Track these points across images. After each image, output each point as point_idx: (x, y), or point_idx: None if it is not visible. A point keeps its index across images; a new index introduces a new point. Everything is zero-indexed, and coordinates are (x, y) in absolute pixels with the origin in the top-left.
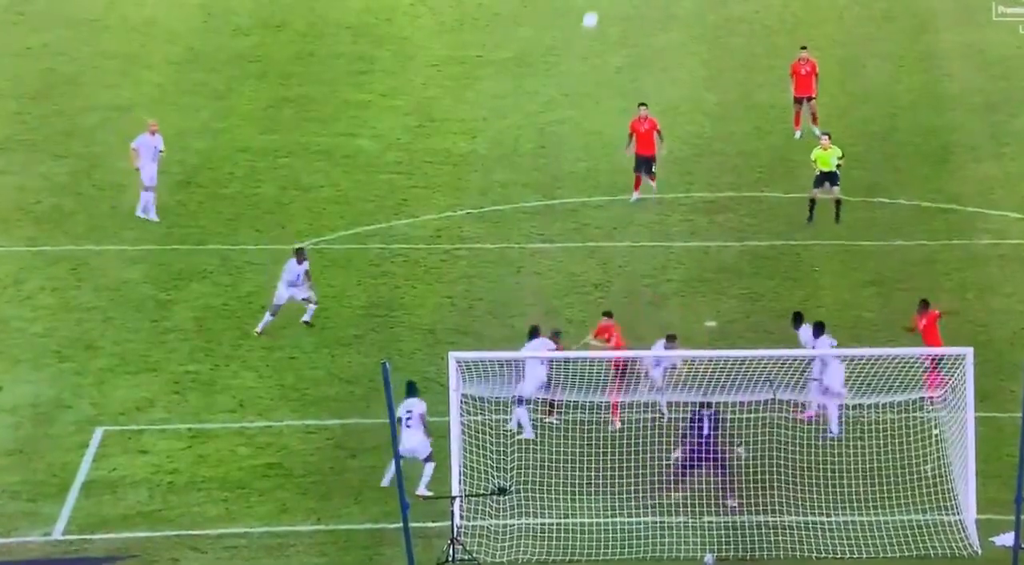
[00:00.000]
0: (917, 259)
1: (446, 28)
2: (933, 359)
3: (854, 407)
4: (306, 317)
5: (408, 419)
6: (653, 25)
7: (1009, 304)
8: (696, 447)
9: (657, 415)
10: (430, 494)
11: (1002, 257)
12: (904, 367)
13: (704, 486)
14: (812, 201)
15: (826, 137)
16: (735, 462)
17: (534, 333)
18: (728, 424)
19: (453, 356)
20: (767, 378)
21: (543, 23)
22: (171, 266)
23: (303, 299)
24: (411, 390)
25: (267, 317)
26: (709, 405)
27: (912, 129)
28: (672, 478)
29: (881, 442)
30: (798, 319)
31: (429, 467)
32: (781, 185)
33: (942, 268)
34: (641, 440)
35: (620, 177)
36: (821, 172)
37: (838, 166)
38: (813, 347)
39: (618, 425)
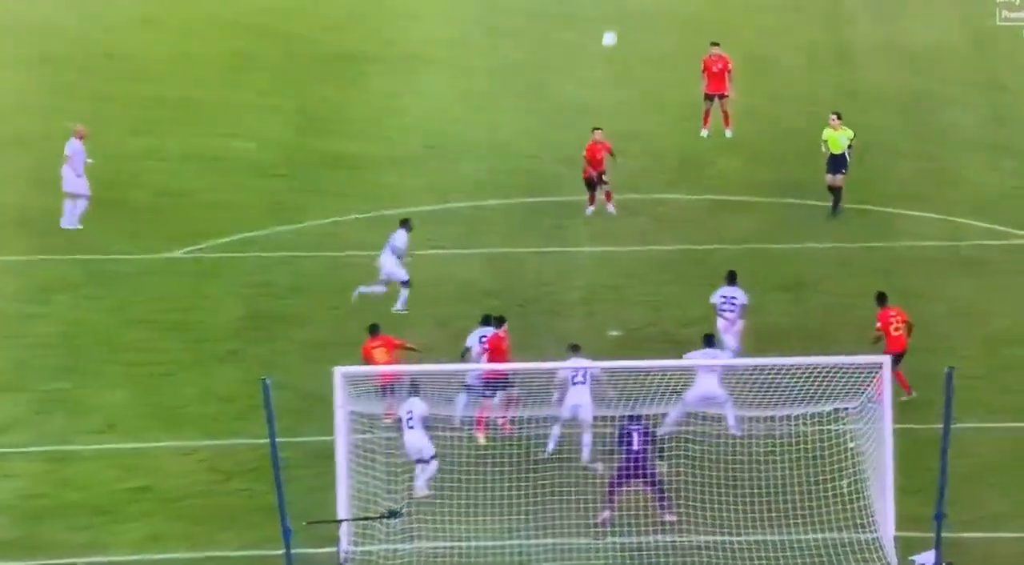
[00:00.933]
0: (831, 262)
1: (332, 22)
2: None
3: (765, 420)
4: (399, 305)
5: (409, 420)
6: (555, 19)
7: (930, 310)
8: (625, 463)
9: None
10: (430, 493)
11: (922, 260)
12: (818, 377)
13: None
14: (831, 189)
15: (835, 117)
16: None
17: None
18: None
19: (339, 371)
20: (674, 390)
21: (437, 16)
22: (35, 278)
23: (401, 282)
24: (414, 390)
25: (377, 287)
26: (638, 418)
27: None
28: (603, 497)
29: (794, 456)
30: (709, 341)
31: (434, 464)
32: (688, 186)
33: (858, 272)
34: (542, 456)
35: (518, 179)
36: (832, 154)
37: (849, 148)
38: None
39: (482, 441)
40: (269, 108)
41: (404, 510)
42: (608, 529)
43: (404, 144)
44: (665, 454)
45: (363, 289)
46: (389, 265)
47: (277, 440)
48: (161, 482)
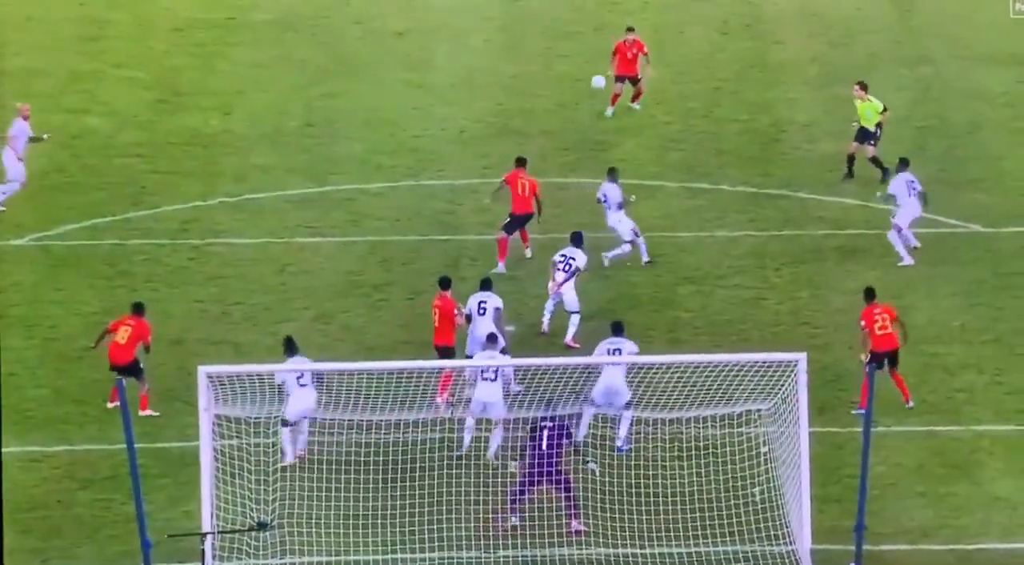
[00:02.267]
0: (743, 252)
1: None
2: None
3: (671, 422)
4: (645, 256)
5: (486, 373)
6: None
7: (848, 303)
8: (532, 465)
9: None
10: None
11: (840, 249)
12: (728, 375)
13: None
14: (850, 157)
15: (859, 87)
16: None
17: (291, 348)
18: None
19: (204, 370)
20: (573, 389)
21: None
22: None
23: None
24: (491, 339)
25: (623, 249)
26: (552, 417)
27: (737, 104)
28: (508, 501)
29: (702, 462)
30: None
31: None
32: (588, 169)
33: (772, 262)
34: (427, 463)
35: (403, 160)
36: (861, 127)
37: (878, 124)
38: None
39: (442, 406)
40: (125, 80)
41: (274, 522)
42: (504, 539)
43: (275, 120)
44: (587, 457)
45: (609, 254)
46: (613, 221)
47: (136, 446)
48: (9, 492)
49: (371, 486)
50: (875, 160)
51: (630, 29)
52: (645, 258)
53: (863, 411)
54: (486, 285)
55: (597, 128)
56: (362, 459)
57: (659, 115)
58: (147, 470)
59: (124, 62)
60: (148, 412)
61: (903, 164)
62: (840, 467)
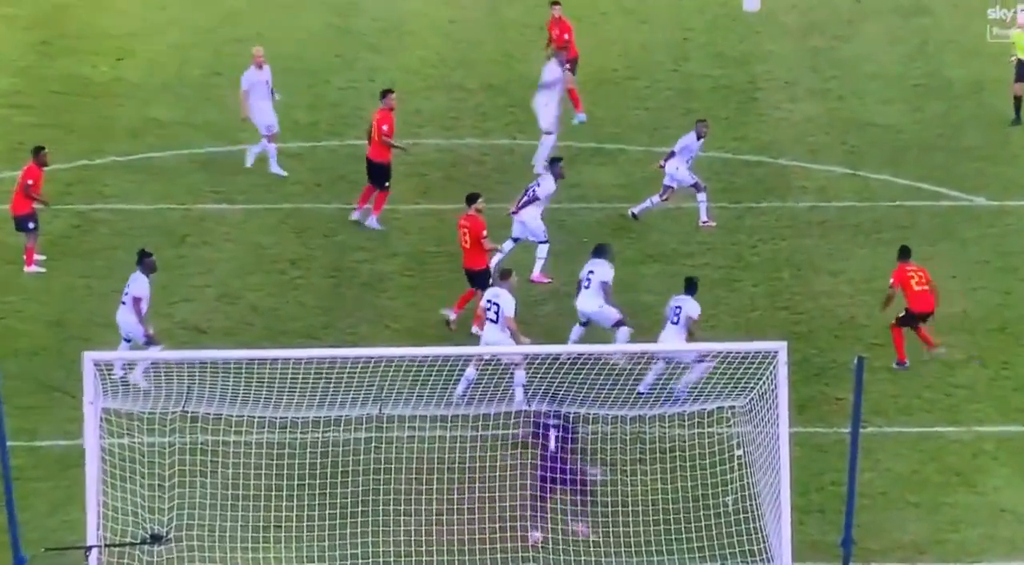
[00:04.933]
0: (714, 226)
1: None
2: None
3: (632, 421)
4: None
5: (488, 313)
6: None
7: (834, 286)
8: (544, 468)
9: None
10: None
11: (825, 224)
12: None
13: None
14: (1017, 99)
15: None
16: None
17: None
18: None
19: (89, 357)
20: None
21: None
22: None
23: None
24: (599, 251)
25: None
26: (556, 414)
27: (706, 57)
28: (530, 512)
29: (667, 466)
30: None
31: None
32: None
33: (747, 239)
34: (352, 466)
35: (324, 115)
36: (1019, 60)
37: None
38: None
39: (452, 317)
40: (0, 19)
41: (170, 534)
42: (459, 553)
43: (176, 68)
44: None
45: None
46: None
47: (8, 444)
48: None
49: (284, 493)
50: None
51: (554, 3)
52: (703, 218)
53: (903, 365)
54: (600, 252)
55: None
56: (274, 462)
57: (620, 69)
58: (22, 472)
59: None
60: (34, 268)
61: None
62: (824, 473)
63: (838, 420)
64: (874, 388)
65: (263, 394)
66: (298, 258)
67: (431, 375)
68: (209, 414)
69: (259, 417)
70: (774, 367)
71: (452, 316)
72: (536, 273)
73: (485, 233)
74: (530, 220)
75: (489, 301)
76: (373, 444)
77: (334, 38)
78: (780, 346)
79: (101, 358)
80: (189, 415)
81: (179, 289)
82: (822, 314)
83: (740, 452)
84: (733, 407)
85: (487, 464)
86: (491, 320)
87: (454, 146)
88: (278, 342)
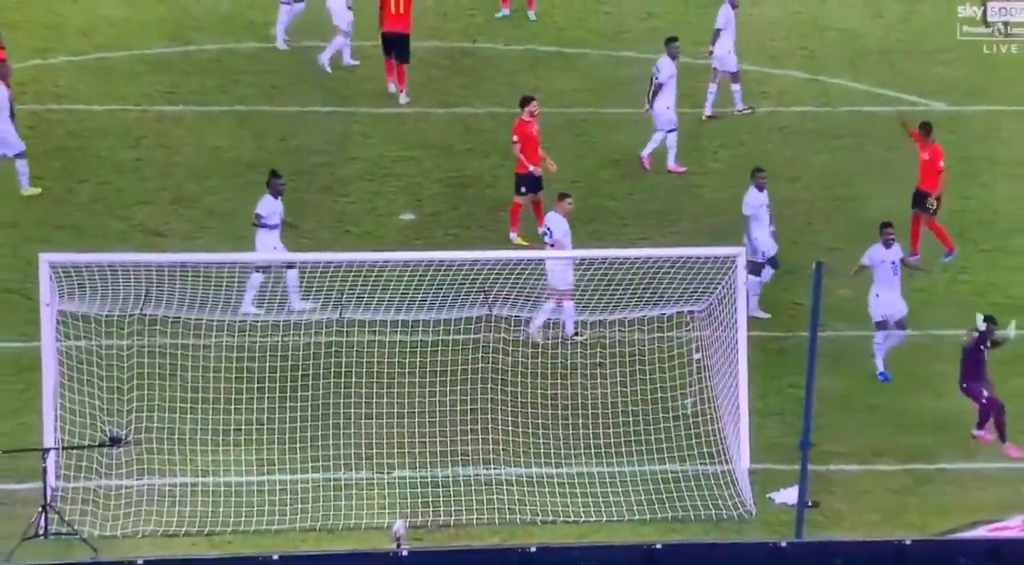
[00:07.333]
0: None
1: None
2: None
3: (591, 326)
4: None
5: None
6: None
7: (793, 191)
8: None
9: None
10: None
11: (783, 130)
12: (656, 272)
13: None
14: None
15: None
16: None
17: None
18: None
19: (45, 258)
20: (480, 288)
21: None
22: None
23: None
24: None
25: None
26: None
27: None
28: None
29: (627, 370)
30: None
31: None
32: (501, 34)
33: (707, 144)
34: (312, 370)
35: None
36: None
37: None
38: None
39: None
40: None
41: (129, 438)
42: (400, 459)
43: None
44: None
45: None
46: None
47: None
48: None
49: (244, 396)
50: None
51: None
52: (739, 106)
53: (951, 253)
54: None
55: None
56: (234, 365)
57: None
58: None
59: None
60: None
61: None
62: (782, 376)
63: (797, 325)
64: (832, 293)
65: (222, 297)
66: (255, 162)
67: (391, 280)
68: (168, 317)
69: (218, 321)
70: (733, 272)
71: (409, 217)
72: (671, 163)
73: (515, 138)
74: (661, 112)
75: (546, 226)
76: (334, 349)
77: None
78: (739, 251)
79: (57, 260)
80: (147, 318)
81: (135, 192)
82: (781, 219)
83: (698, 356)
84: (692, 311)
85: (448, 369)
86: (549, 244)
87: (416, 48)
88: (237, 246)
